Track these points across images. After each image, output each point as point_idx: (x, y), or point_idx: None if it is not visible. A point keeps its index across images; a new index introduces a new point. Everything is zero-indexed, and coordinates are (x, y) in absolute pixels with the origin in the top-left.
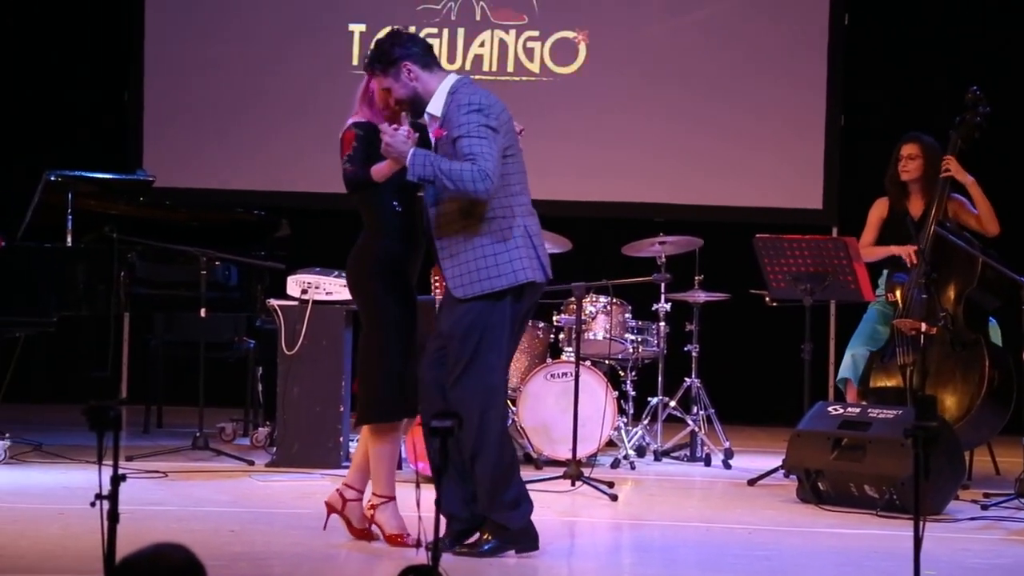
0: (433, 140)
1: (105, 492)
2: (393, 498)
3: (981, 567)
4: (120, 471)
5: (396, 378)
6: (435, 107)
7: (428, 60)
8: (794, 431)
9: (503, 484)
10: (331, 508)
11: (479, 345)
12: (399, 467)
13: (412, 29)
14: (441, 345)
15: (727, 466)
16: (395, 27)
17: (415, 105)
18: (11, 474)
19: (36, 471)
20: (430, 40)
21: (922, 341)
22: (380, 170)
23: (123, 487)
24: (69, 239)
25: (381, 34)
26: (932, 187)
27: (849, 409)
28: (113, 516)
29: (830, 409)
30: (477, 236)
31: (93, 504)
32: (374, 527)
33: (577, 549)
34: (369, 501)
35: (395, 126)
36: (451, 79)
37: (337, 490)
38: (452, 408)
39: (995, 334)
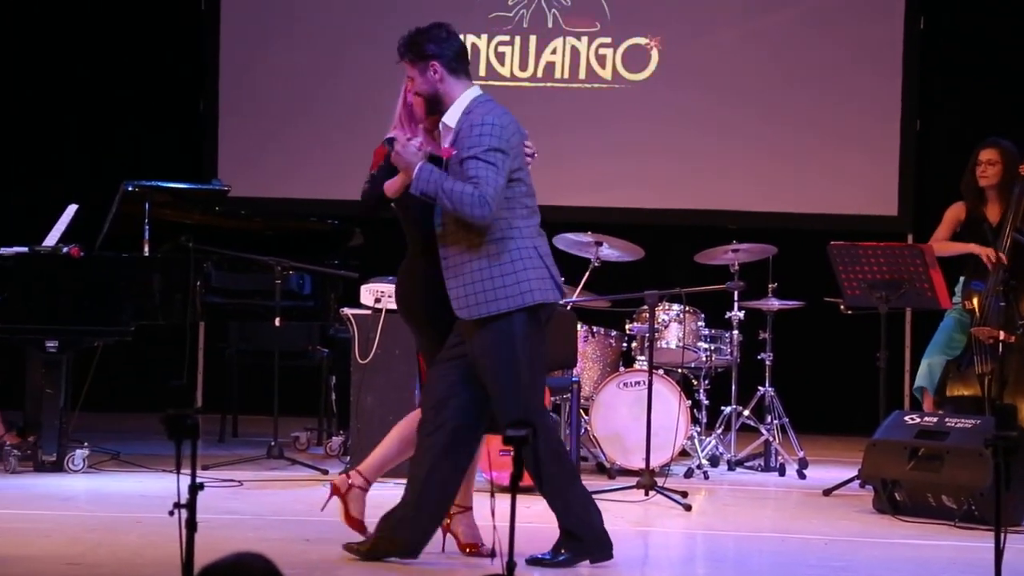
0: (444, 157)
1: (183, 501)
2: (470, 508)
3: None
4: (197, 480)
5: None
6: (451, 118)
7: (457, 66)
8: (870, 441)
9: (570, 495)
10: (336, 490)
11: (507, 367)
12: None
13: (484, 37)
14: (455, 356)
15: (802, 476)
16: (439, 22)
17: (432, 104)
18: (89, 483)
19: (114, 480)
20: (502, 48)
21: (1000, 349)
22: (392, 184)
23: (200, 496)
24: (146, 249)
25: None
26: (1010, 193)
27: (926, 418)
28: (191, 525)
29: (907, 418)
30: (481, 257)
31: (171, 513)
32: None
33: (651, 559)
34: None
35: (408, 136)
36: (471, 93)
37: (346, 474)
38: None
39: None
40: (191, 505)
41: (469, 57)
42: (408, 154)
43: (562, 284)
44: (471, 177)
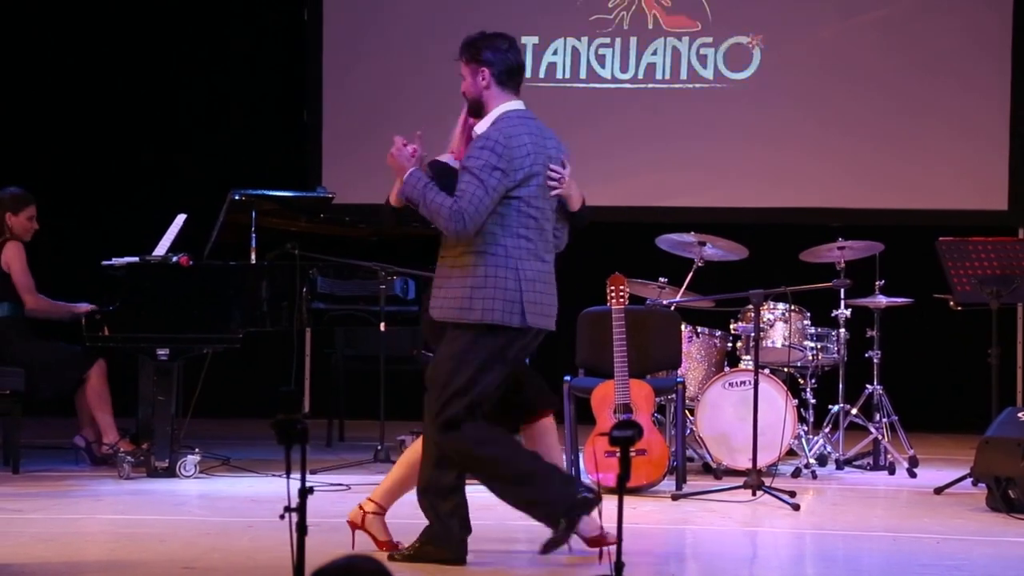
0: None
1: (294, 505)
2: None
3: None
4: (307, 484)
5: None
6: (481, 127)
7: (506, 79)
8: (982, 438)
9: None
10: (354, 525)
11: (446, 363)
12: (578, 477)
13: (585, 39)
14: None
15: (912, 475)
16: (505, 34)
17: (474, 108)
18: (201, 488)
19: (225, 484)
20: (602, 51)
21: None
22: (392, 194)
23: (310, 500)
24: (253, 257)
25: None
26: None
27: None
28: (302, 528)
29: (1020, 415)
30: (459, 266)
31: (282, 516)
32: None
33: (759, 559)
34: None
35: (404, 142)
36: (507, 107)
37: (359, 506)
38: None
39: None
40: (301, 509)
41: (522, 75)
42: (401, 158)
43: (547, 313)
44: (458, 190)
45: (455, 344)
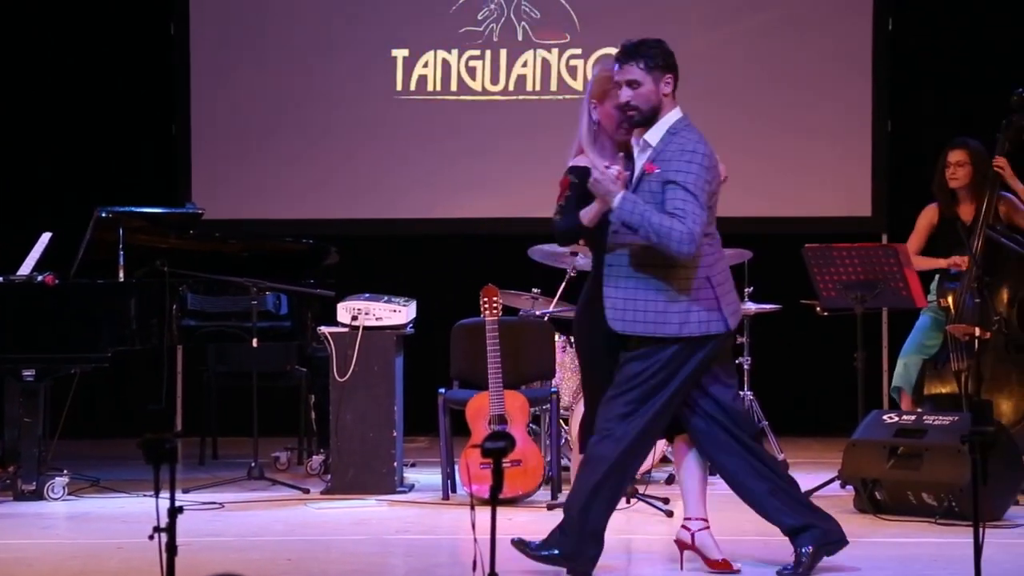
0: (638, 173)
1: (163, 525)
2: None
3: None
4: (177, 503)
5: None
6: (653, 136)
7: (674, 90)
8: (849, 441)
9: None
10: (682, 545)
11: (646, 390)
12: (453, 490)
13: (455, 52)
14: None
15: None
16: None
17: (647, 118)
18: (70, 510)
19: (95, 506)
20: (473, 63)
21: (976, 346)
22: (589, 213)
23: (180, 519)
24: (121, 274)
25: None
26: (981, 192)
27: (904, 417)
28: (171, 548)
29: (885, 418)
30: (657, 278)
31: (151, 537)
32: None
33: (634, 567)
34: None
35: (606, 164)
36: (676, 114)
37: (682, 525)
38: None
39: None
40: (171, 528)
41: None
42: (607, 182)
43: (739, 309)
44: (677, 208)
45: (647, 358)
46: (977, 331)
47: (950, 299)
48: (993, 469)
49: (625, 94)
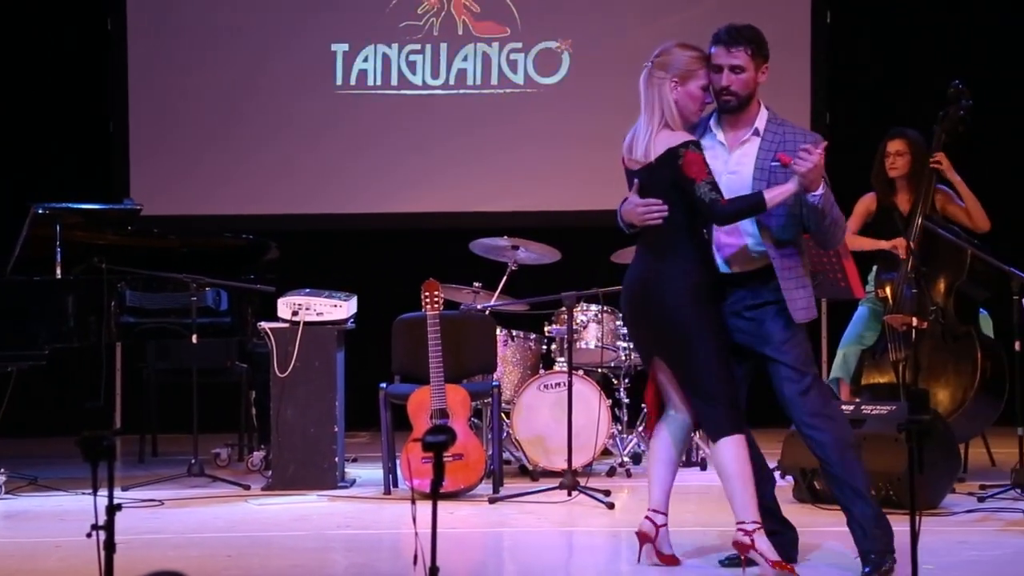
0: (770, 163)
1: (101, 523)
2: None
3: (980, 559)
4: (115, 501)
5: (730, 398)
6: (760, 123)
7: None
8: (789, 431)
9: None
10: (644, 537)
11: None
12: (395, 484)
13: (395, 46)
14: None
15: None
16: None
17: (742, 103)
18: (7, 508)
19: (32, 504)
20: (413, 57)
21: (913, 336)
22: (777, 198)
23: (119, 517)
24: (58, 271)
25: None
26: (919, 182)
27: (843, 407)
28: (109, 546)
29: None
30: (804, 265)
31: (89, 535)
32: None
33: (575, 559)
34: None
35: (809, 148)
36: (762, 104)
37: (646, 517)
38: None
39: (986, 326)
40: (109, 526)
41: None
42: (820, 168)
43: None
44: (830, 198)
45: (804, 344)
46: (914, 321)
47: (888, 290)
48: (930, 457)
49: (727, 78)
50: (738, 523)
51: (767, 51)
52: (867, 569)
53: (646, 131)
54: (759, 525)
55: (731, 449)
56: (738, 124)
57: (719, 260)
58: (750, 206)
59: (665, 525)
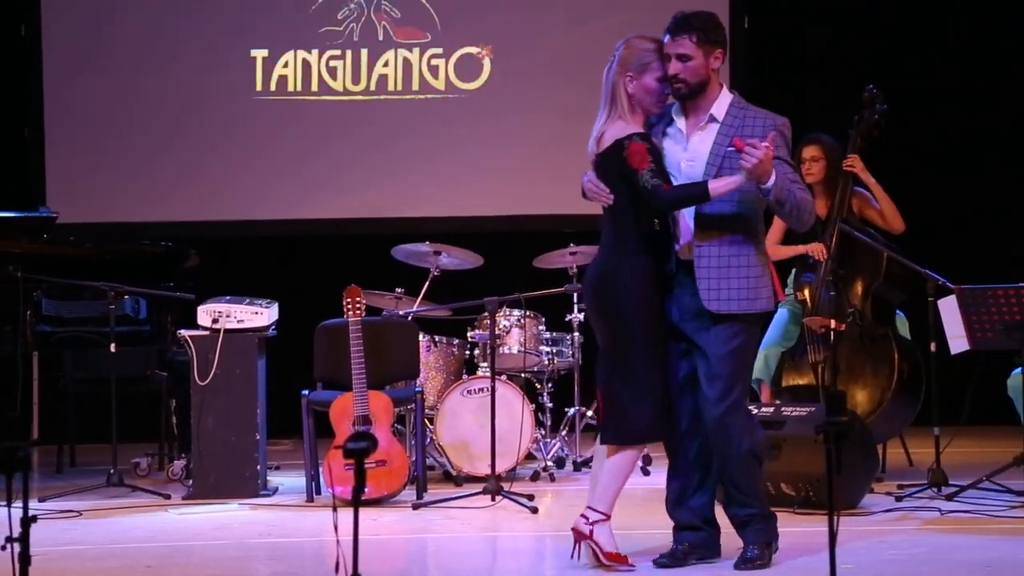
0: (730, 150)
1: (16, 535)
2: (610, 517)
3: (898, 558)
4: (32, 512)
5: (654, 399)
6: (719, 110)
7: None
8: None
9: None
10: (579, 535)
11: (742, 369)
12: (318, 492)
13: (315, 52)
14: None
15: (646, 472)
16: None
17: (695, 91)
18: None
19: None
20: (333, 63)
21: (832, 338)
22: (720, 188)
23: (36, 528)
24: None
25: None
26: (835, 186)
27: (763, 409)
28: (25, 558)
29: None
30: (751, 255)
31: (4, 547)
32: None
33: (499, 564)
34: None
35: (764, 144)
36: (725, 90)
37: (582, 515)
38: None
39: (903, 327)
40: (24, 538)
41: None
42: (767, 161)
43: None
44: (797, 183)
45: (743, 337)
46: (833, 323)
47: (806, 292)
48: (848, 458)
49: (674, 66)
50: (588, 507)
51: (719, 36)
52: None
53: (599, 123)
54: (605, 518)
55: (627, 459)
56: (697, 111)
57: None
58: (692, 195)
59: (603, 522)
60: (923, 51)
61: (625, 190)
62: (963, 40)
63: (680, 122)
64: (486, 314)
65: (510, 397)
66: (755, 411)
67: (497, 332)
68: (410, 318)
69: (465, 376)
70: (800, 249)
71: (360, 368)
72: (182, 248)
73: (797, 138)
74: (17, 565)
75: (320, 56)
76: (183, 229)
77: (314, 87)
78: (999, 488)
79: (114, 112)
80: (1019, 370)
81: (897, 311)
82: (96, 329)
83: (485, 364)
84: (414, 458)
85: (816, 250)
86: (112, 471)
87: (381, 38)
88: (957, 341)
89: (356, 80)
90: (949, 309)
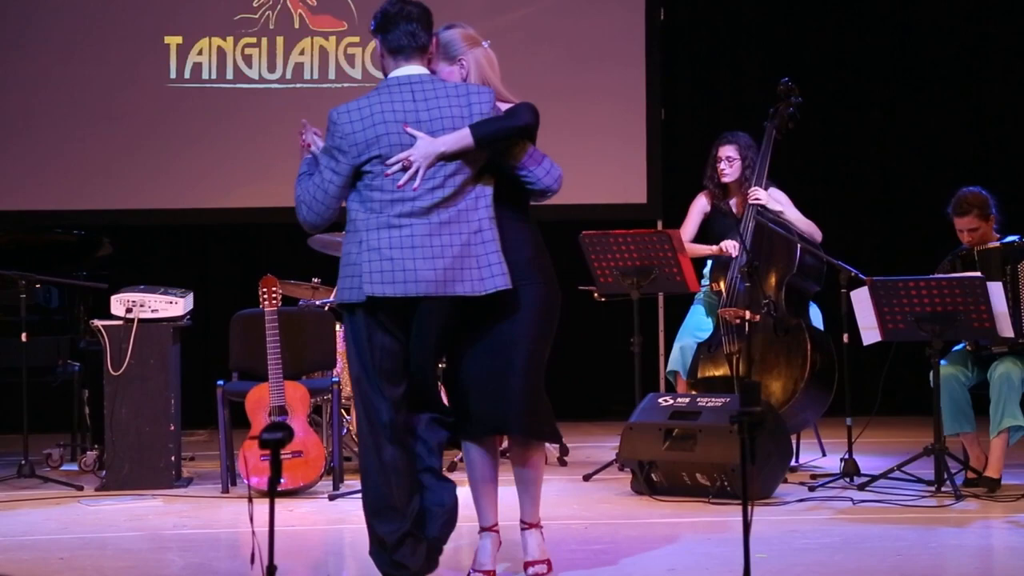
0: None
1: None
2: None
3: (810, 547)
4: None
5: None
6: None
7: (396, 48)
8: (626, 424)
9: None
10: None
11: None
12: (233, 483)
13: (231, 39)
14: None
15: (563, 463)
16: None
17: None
18: None
19: None
20: (249, 51)
21: (747, 329)
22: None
23: None
24: None
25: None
26: (749, 184)
27: (679, 400)
28: None
29: (660, 400)
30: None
31: None
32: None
33: None
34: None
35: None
36: (387, 81)
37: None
38: None
39: (816, 318)
40: None
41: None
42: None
43: (405, 280)
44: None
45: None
46: (747, 314)
47: (722, 284)
48: (762, 448)
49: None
50: (533, 523)
51: (370, 24)
52: None
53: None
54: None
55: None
56: None
57: None
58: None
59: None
60: (840, 42)
61: None
62: (889, 29)
63: None
64: None
65: None
66: (671, 401)
67: None
68: (327, 308)
69: None
70: (712, 250)
71: (276, 358)
72: (95, 236)
73: (713, 136)
74: None
75: (235, 43)
76: (96, 217)
77: (229, 75)
78: (910, 478)
79: (26, 98)
80: (944, 361)
81: (810, 303)
82: (6, 318)
83: None
84: (330, 449)
85: (725, 250)
86: (23, 462)
87: (297, 26)
88: (869, 332)
89: (272, 68)
90: (861, 300)
